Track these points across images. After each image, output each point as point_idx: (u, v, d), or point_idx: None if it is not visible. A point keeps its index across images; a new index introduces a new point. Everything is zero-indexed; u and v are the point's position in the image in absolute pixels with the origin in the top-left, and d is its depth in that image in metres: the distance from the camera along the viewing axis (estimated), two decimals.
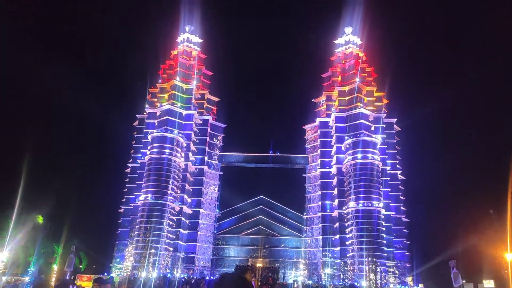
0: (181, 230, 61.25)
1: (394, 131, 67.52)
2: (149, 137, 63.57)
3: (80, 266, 56.00)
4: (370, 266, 52.60)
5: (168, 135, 62.38)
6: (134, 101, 75.86)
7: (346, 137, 62.72)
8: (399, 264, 57.52)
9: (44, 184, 63.76)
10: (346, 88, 67.32)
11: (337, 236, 59.83)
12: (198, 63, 73.02)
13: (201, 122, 69.91)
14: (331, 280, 52.58)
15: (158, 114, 66.23)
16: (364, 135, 61.22)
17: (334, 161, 64.49)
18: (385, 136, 64.47)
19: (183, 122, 65.89)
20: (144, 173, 61.15)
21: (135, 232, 57.60)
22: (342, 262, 57.04)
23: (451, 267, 29.65)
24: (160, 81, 70.90)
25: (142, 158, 64.44)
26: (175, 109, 65.35)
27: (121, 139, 76.71)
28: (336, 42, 74.57)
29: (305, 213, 68.63)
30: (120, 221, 64.65)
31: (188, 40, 73.91)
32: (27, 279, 41.34)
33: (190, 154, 65.88)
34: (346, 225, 58.76)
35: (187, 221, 63.78)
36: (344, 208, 59.77)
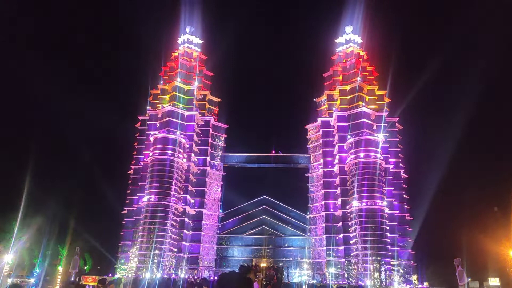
0: (185, 231, 61.36)
1: (396, 130, 67.46)
2: (151, 138, 63.71)
3: (85, 268, 56.17)
4: (375, 265, 52.54)
5: (170, 136, 62.49)
6: (135, 103, 76.13)
7: (348, 136, 62.67)
8: (403, 263, 57.48)
9: (47, 186, 63.99)
10: (348, 87, 67.26)
11: (341, 235, 59.80)
12: (199, 64, 73.11)
13: (203, 123, 70.00)
14: (335, 279, 52.56)
15: (159, 115, 66.35)
16: (366, 134, 61.18)
17: (336, 160, 64.46)
18: (387, 134, 64.41)
19: (185, 123, 65.99)
20: (147, 175, 61.27)
21: (139, 233, 57.74)
22: (346, 261, 57.01)
23: (456, 265, 29.61)
24: (161, 82, 71.05)
25: (145, 159, 64.58)
26: (176, 110, 65.45)
27: (123, 140, 76.96)
28: (336, 41, 74.52)
29: (308, 213, 68.64)
30: (124, 222, 64.80)
31: (189, 41, 74.03)
32: (32, 280, 41.51)
33: (193, 155, 65.97)
34: (349, 224, 58.74)
35: (190, 221, 63.87)
36: (347, 207, 59.75)
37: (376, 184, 57.50)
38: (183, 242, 60.54)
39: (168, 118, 64.20)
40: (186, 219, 62.19)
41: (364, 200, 56.87)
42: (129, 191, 66.54)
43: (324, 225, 63.19)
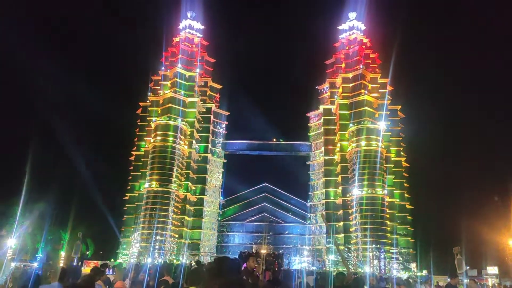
0: (186, 217, 61.81)
1: (399, 118, 67.12)
2: (153, 125, 63.56)
3: (87, 253, 56.80)
4: (374, 252, 53.03)
5: (172, 123, 62.32)
6: (137, 89, 75.77)
7: (350, 124, 62.42)
8: (403, 251, 58.01)
9: (50, 171, 64.26)
10: (350, 75, 66.65)
11: (341, 223, 60.22)
12: (200, 50, 72.27)
13: (204, 110, 69.70)
14: (335, 266, 53.11)
15: (161, 102, 66.02)
16: (368, 122, 60.91)
17: (337, 148, 64.40)
18: (389, 123, 64.10)
19: (186, 110, 65.71)
20: (148, 161, 61.37)
21: (141, 219, 58.22)
22: (346, 249, 57.54)
23: (455, 254, 29.78)
24: (162, 68, 70.44)
25: (146, 146, 64.57)
26: (178, 96, 65.07)
27: (124, 126, 76.86)
28: (340, 28, 73.45)
29: (309, 200, 68.99)
30: (126, 208, 65.27)
31: (190, 27, 73.04)
32: (35, 265, 42.02)
33: (194, 141, 65.93)
34: (350, 212, 59.06)
35: (191, 208, 64.29)
36: (348, 195, 59.96)
37: (377, 173, 57.53)
38: (184, 229, 61.07)
39: (169, 105, 63.90)
40: (187, 206, 62.57)
41: (365, 188, 57.02)
42: (130, 177, 66.80)
43: (324, 212, 63.57)
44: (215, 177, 69.51)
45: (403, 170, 64.12)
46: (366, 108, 62.18)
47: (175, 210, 59.59)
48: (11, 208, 48.59)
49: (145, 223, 56.92)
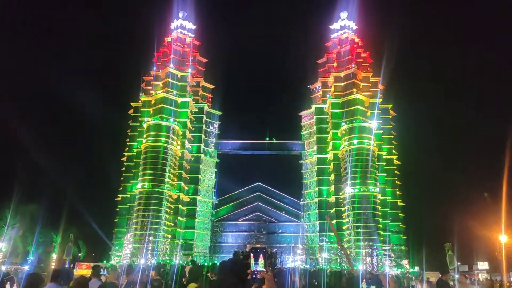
0: (179, 218, 61.59)
1: (390, 117, 67.69)
2: (145, 125, 63.20)
3: (79, 255, 56.30)
4: (367, 249, 53.40)
5: (164, 123, 62.04)
6: (128, 89, 75.34)
7: (342, 123, 62.76)
8: (395, 248, 58.50)
9: (40, 173, 63.57)
10: (342, 74, 67.01)
11: (334, 221, 60.46)
12: (192, 50, 72.08)
13: (197, 110, 69.52)
14: (328, 264, 53.39)
15: (153, 102, 65.67)
16: (360, 120, 61.32)
17: (330, 147, 64.71)
18: (381, 121, 64.59)
19: (179, 110, 65.46)
20: (141, 162, 61.01)
21: (133, 220, 57.87)
22: (339, 247, 57.80)
23: (446, 250, 30.10)
24: (154, 68, 70.09)
25: (138, 146, 64.21)
26: (170, 97, 64.79)
27: (116, 127, 76.41)
28: (331, 27, 73.83)
29: (302, 199, 69.20)
30: (118, 209, 64.82)
31: (182, 27, 72.79)
32: (26, 268, 41.51)
33: (186, 142, 65.72)
34: (342, 210, 59.38)
35: (184, 208, 64.07)
36: (340, 193, 60.29)
37: (369, 171, 57.96)
38: (177, 229, 60.85)
39: (161, 105, 63.60)
40: (180, 206, 62.36)
41: (357, 186, 57.37)
42: (122, 178, 66.36)
43: (317, 211, 63.84)
44: (208, 177, 69.37)
45: (395, 168, 64.66)
46: (358, 106, 62.59)
47: (168, 210, 59.34)
48: (1, 211, 48.00)
49: (138, 224, 56.60)
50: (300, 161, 71.24)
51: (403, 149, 66.93)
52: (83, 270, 43.39)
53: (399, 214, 62.19)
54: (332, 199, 62.20)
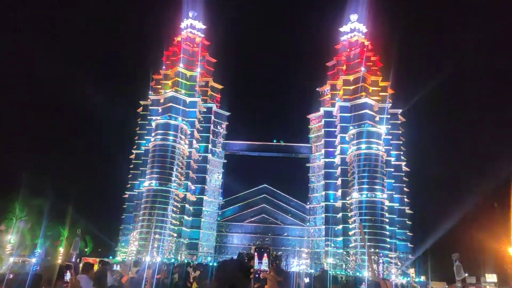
0: (185, 217, 61.84)
1: (399, 122, 67.19)
2: (153, 123, 63.54)
3: (86, 250, 56.74)
4: (373, 257, 52.95)
5: (172, 122, 62.33)
6: (138, 88, 75.76)
7: (350, 127, 62.47)
8: (401, 256, 57.94)
9: (49, 168, 64.29)
10: (351, 77, 66.70)
11: (340, 226, 60.20)
12: (201, 49, 72.27)
13: (205, 110, 69.71)
14: (333, 270, 53.19)
15: (162, 101, 66.01)
16: (369, 125, 60.96)
17: (338, 151, 64.41)
18: (389, 126, 64.16)
19: (187, 109, 65.71)
20: (149, 160, 61.37)
21: (140, 218, 58.26)
22: (345, 252, 57.53)
23: (453, 260, 29.81)
24: (163, 67, 70.39)
25: (146, 144, 64.58)
26: (179, 96, 65.08)
27: (125, 125, 76.92)
28: (341, 30, 73.52)
29: (308, 203, 68.95)
30: (125, 206, 65.31)
31: (192, 26, 73.02)
32: (34, 260, 41.98)
33: (194, 141, 65.94)
34: (349, 215, 59.03)
35: (191, 207, 64.30)
36: (347, 198, 59.95)
37: (377, 176, 57.57)
38: (183, 228, 61.10)
39: (170, 104, 63.89)
40: (187, 205, 62.61)
41: (365, 192, 57.02)
42: (130, 176, 66.83)
43: (323, 215, 63.57)
44: (215, 177, 69.52)
45: (403, 174, 64.13)
46: (367, 111, 62.26)
47: (174, 209, 59.62)
48: (10, 204, 48.61)
49: (144, 222, 56.97)
50: (307, 164, 71.01)
51: (412, 155, 66.42)
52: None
53: (407, 221, 61.57)
54: (338, 203, 61.86)
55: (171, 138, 61.44)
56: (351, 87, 66.06)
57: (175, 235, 59.21)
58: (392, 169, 62.11)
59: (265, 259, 3.10)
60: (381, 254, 52.76)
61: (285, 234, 67.19)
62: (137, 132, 69.48)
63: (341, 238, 59.31)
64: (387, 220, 56.81)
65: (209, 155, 68.34)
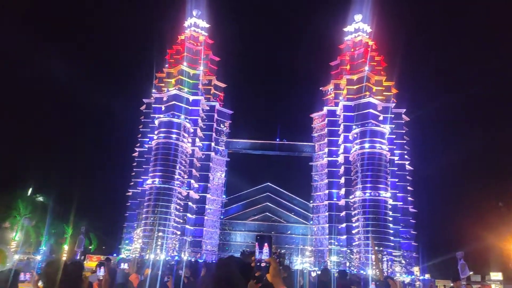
0: (188, 215, 61.90)
1: (403, 122, 67.09)
2: (156, 122, 63.63)
3: (90, 247, 56.90)
4: (379, 255, 52.85)
5: (175, 120, 62.40)
6: (141, 86, 75.95)
7: (353, 126, 62.43)
8: (405, 254, 57.91)
9: (53, 166, 64.48)
10: (355, 77, 66.65)
11: (344, 225, 60.18)
12: (205, 48, 72.38)
13: (208, 108, 69.77)
14: (337, 268, 53.14)
15: (165, 99, 66.11)
16: (372, 124, 60.89)
17: (341, 150, 64.39)
18: (393, 126, 64.07)
19: (190, 108, 65.78)
20: (151, 158, 61.46)
21: (143, 215, 58.34)
22: (348, 251, 57.53)
23: (458, 258, 29.70)
24: (167, 66, 70.50)
25: (149, 142, 64.69)
26: (182, 94, 65.17)
27: (128, 123, 77.23)
28: (345, 29, 73.46)
29: (311, 201, 68.95)
30: (129, 204, 65.44)
31: (195, 25, 73.09)
32: (38, 257, 42.12)
33: (197, 139, 66.01)
34: (352, 214, 59.02)
35: (194, 206, 64.37)
36: (350, 197, 59.95)
37: (381, 175, 57.53)
38: (186, 226, 61.16)
39: (173, 102, 63.97)
40: (190, 203, 62.66)
41: (368, 191, 56.99)
42: (133, 174, 66.94)
43: (327, 214, 63.56)
44: (218, 175, 69.57)
45: (407, 173, 64.08)
46: (371, 110, 62.20)
47: (178, 207, 59.70)
48: (15, 201, 48.77)
49: (148, 219, 57.06)
50: (310, 163, 71.00)
51: (415, 154, 66.34)
52: (93, 262, 43.93)
53: (410, 220, 61.58)
54: (342, 202, 61.86)
55: (174, 136, 61.51)
56: (355, 87, 66.01)
57: (179, 233, 59.27)
58: (396, 168, 62.05)
59: (265, 248, 3.04)
60: (385, 253, 52.71)
61: (289, 232, 67.20)
62: (140, 130, 69.61)
63: (344, 237, 59.30)
64: (391, 219, 56.79)
65: (212, 153, 68.40)
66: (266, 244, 3.05)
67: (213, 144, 68.75)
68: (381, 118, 62.90)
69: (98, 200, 63.12)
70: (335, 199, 63.80)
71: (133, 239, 59.62)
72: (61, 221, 53.89)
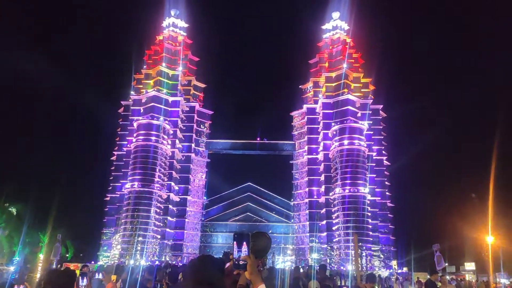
0: (169, 218, 61.15)
1: (380, 117, 68.10)
2: (135, 124, 62.54)
3: (67, 255, 55.49)
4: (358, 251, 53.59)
5: (154, 122, 61.50)
6: (119, 87, 74.52)
7: (333, 124, 62.98)
8: (384, 248, 58.95)
9: (27, 172, 62.52)
10: (333, 74, 67.22)
11: (324, 222, 60.70)
12: (184, 48, 71.57)
13: (188, 109, 69.05)
14: (318, 265, 53.60)
15: (143, 100, 65.06)
16: (351, 121, 61.57)
17: (321, 147, 64.88)
18: (371, 122, 64.96)
19: (169, 109, 64.96)
20: (130, 161, 60.38)
21: (122, 220, 57.26)
22: (329, 247, 58.07)
23: (434, 251, 30.34)
24: (145, 66, 69.37)
25: (128, 145, 63.55)
26: (161, 95, 64.26)
27: (106, 126, 75.64)
28: (323, 27, 73.94)
29: (292, 200, 69.25)
30: (107, 209, 64.09)
31: (174, 25, 72.16)
32: (12, 268, 40.69)
33: (177, 141, 65.25)
34: (332, 210, 59.61)
35: (174, 208, 63.64)
36: (330, 194, 60.52)
37: (360, 171, 58.28)
38: (167, 229, 60.39)
39: (152, 104, 63.02)
40: (170, 206, 61.92)
41: (347, 187, 57.63)
42: (112, 178, 65.60)
43: (307, 211, 63.97)
44: (199, 176, 68.99)
45: (384, 168, 65.12)
46: (349, 107, 62.86)
47: (158, 210, 58.88)
48: None
49: (127, 224, 56.04)
50: (291, 161, 71.26)
51: (393, 150, 67.53)
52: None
53: (388, 214, 62.72)
54: (322, 199, 62.38)
55: (153, 138, 60.61)
56: (334, 84, 66.58)
57: (159, 236, 58.45)
58: (374, 164, 62.91)
59: (244, 247, 2.98)
60: (364, 248, 53.49)
61: (270, 231, 67.22)
62: (118, 133, 68.29)
63: (325, 234, 59.82)
64: (370, 214, 57.63)
65: (193, 155, 67.76)
66: (244, 243, 3.00)
67: (193, 145, 68.09)
68: (359, 114, 63.65)
69: (75, 206, 61.54)
70: (315, 197, 64.27)
71: (112, 245, 58.44)
72: (37, 229, 52.40)
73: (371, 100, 66.29)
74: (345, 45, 69.33)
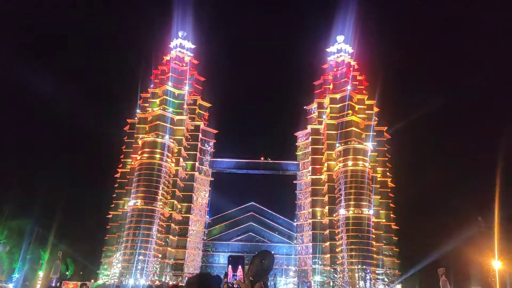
0: (170, 236, 60.56)
1: (385, 139, 68.06)
2: (140, 142, 63.01)
3: (67, 273, 54.82)
4: (360, 273, 52.50)
5: (159, 140, 61.93)
6: (125, 106, 75.53)
7: (337, 144, 62.99)
8: (388, 272, 57.60)
9: (31, 188, 62.73)
10: (338, 96, 67.82)
11: (327, 243, 59.71)
12: (190, 68, 72.91)
13: (193, 128, 69.61)
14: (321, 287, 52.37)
15: (149, 119, 65.80)
16: (355, 142, 61.57)
17: (325, 168, 64.65)
18: (375, 143, 64.90)
19: (175, 128, 65.53)
20: (134, 178, 60.44)
21: (123, 238, 56.73)
22: (332, 269, 56.86)
23: (439, 275, 29.72)
24: (151, 86, 70.57)
25: (132, 163, 63.78)
26: (166, 114, 65.00)
27: (111, 144, 76.09)
28: (328, 50, 75.24)
29: (295, 220, 68.47)
30: (109, 227, 63.69)
31: (181, 46, 73.84)
32: (11, 286, 40.33)
33: (181, 159, 65.44)
34: (336, 232, 58.74)
35: (176, 227, 63.09)
36: (334, 215, 59.79)
37: (364, 193, 57.72)
38: (168, 248, 59.69)
39: (158, 122, 63.69)
40: (172, 225, 61.42)
41: (351, 208, 56.99)
42: (115, 195, 65.57)
43: (311, 232, 63.07)
44: (202, 195, 68.72)
45: (389, 190, 64.52)
46: (353, 128, 63.02)
47: (160, 229, 58.41)
48: None
49: (128, 242, 55.49)
50: (294, 181, 70.91)
51: (397, 171, 67.02)
52: None
53: (393, 237, 61.58)
54: (326, 220, 61.59)
55: (157, 156, 60.88)
56: (338, 105, 67.05)
57: (160, 256, 57.70)
58: (378, 185, 62.45)
59: (239, 272, 2.98)
60: (368, 271, 52.32)
61: (272, 252, 66.14)
62: (123, 150, 68.75)
63: (328, 255, 58.69)
64: (374, 236, 56.64)
65: (196, 173, 67.76)
66: (240, 267, 3.00)
67: (197, 163, 68.21)
68: (363, 136, 63.74)
69: (77, 223, 61.24)
70: (319, 218, 63.50)
71: (112, 263, 57.69)
72: (38, 246, 52.06)
73: (375, 122, 66.48)
74: (349, 68, 70.27)
